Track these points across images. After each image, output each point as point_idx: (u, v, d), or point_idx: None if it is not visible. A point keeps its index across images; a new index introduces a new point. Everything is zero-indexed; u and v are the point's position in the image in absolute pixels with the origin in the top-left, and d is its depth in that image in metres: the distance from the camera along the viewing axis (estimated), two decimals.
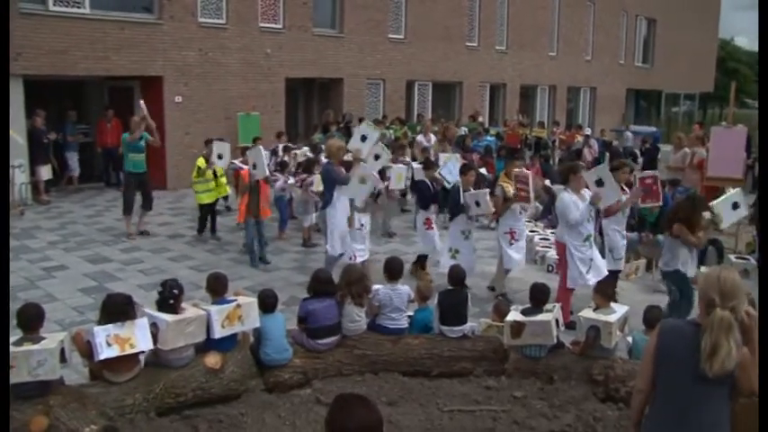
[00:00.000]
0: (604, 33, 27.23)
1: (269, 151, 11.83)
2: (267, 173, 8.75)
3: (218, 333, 4.75)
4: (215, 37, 14.43)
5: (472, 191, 7.54)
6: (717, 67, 37.75)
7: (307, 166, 10.11)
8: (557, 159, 17.46)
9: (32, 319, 4.26)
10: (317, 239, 9.78)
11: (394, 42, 18.60)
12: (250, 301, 4.98)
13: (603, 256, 7.07)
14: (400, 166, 10.41)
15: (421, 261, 8.37)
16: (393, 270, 5.54)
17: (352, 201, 7.65)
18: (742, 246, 9.81)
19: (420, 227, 8.51)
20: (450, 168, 8.38)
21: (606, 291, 5.37)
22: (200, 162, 9.77)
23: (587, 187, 6.80)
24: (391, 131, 15.53)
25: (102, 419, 4.03)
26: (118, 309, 4.47)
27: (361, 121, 16.31)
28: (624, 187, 7.30)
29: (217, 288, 5.03)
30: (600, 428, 4.39)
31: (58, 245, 9.45)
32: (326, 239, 7.73)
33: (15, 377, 3.88)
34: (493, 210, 7.57)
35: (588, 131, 19.94)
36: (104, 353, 4.26)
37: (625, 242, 7.29)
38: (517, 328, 5.06)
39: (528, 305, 5.35)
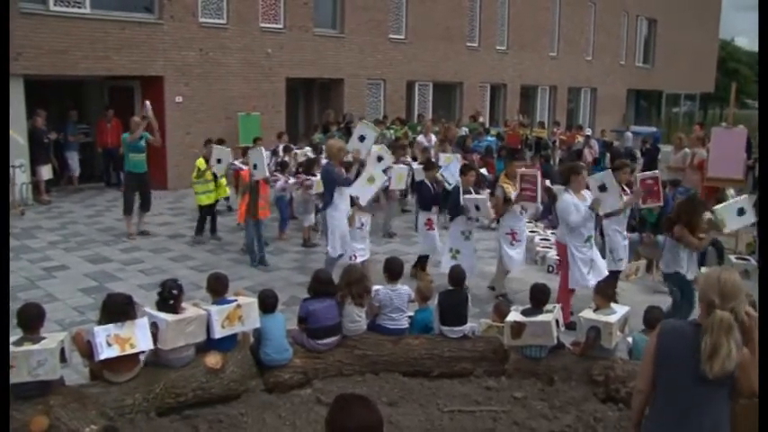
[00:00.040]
0: (605, 33, 27.23)
1: (269, 151, 11.83)
2: (267, 174, 8.75)
3: (219, 333, 4.75)
4: (215, 37, 14.44)
5: (472, 195, 7.49)
6: (717, 68, 37.75)
7: (307, 167, 10.11)
8: (557, 160, 17.46)
9: (33, 319, 4.26)
10: (316, 239, 9.79)
11: (394, 42, 18.60)
12: (250, 302, 4.98)
13: (604, 257, 7.07)
14: (401, 166, 10.41)
15: (421, 262, 8.37)
16: (393, 270, 5.54)
17: (352, 200, 7.64)
18: (742, 246, 9.80)
19: (421, 227, 8.51)
20: (451, 170, 8.38)
21: (606, 291, 5.37)
22: (200, 163, 9.75)
23: (588, 188, 6.80)
24: (392, 132, 15.53)
25: (103, 419, 4.03)
26: (118, 309, 4.47)
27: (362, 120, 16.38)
28: (625, 187, 7.30)
29: (217, 288, 5.03)
30: (600, 429, 4.39)
31: (59, 245, 9.46)
32: (327, 240, 7.73)
33: (15, 377, 3.89)
34: (493, 215, 7.56)
35: (589, 132, 19.93)
36: (104, 353, 4.26)
37: (626, 242, 7.28)
38: (517, 328, 5.06)
39: (528, 306, 5.34)
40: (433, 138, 13.99)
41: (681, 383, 2.82)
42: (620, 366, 4.82)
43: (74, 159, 13.48)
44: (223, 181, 10.28)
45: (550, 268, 8.71)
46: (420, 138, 13.95)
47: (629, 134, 21.90)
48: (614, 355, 5.02)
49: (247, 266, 8.65)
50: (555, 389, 4.86)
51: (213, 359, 4.70)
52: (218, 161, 9.55)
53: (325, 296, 5.21)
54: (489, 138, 16.48)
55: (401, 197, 11.52)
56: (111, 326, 4.37)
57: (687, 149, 12.46)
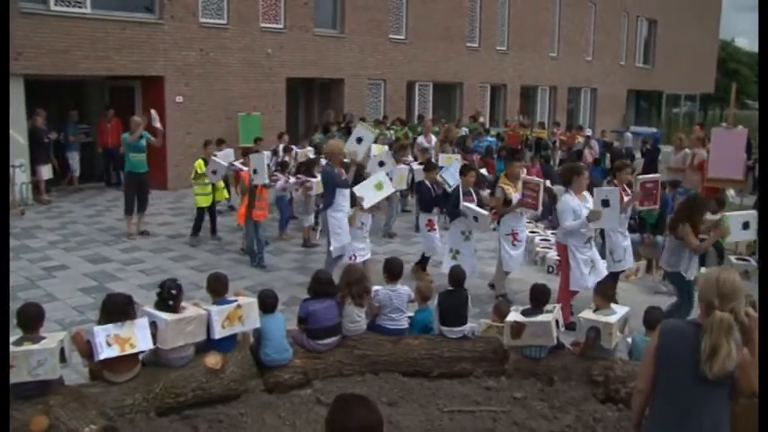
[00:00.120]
0: (605, 34, 27.23)
1: (270, 151, 11.83)
2: (266, 180, 8.68)
3: (219, 333, 4.74)
4: (216, 37, 14.44)
5: (475, 206, 7.43)
6: (717, 68, 37.76)
7: (307, 168, 10.10)
8: (557, 160, 17.47)
9: (32, 319, 4.26)
10: (316, 239, 9.79)
11: (395, 43, 18.60)
12: (250, 302, 4.98)
13: (603, 257, 7.07)
14: (402, 167, 10.42)
15: (422, 262, 8.37)
16: (393, 271, 5.54)
17: (353, 200, 7.64)
18: (742, 247, 9.80)
19: (422, 228, 8.51)
20: (451, 171, 8.40)
21: (606, 292, 5.37)
22: (199, 165, 9.68)
23: (590, 189, 6.80)
24: (392, 132, 15.54)
25: (102, 419, 4.03)
26: (118, 309, 4.47)
27: (362, 121, 16.39)
28: (626, 188, 7.31)
29: (217, 288, 5.03)
30: (600, 429, 4.39)
31: (59, 244, 9.46)
32: (327, 240, 7.73)
33: (15, 377, 3.89)
34: (490, 229, 7.55)
35: (589, 132, 19.94)
36: (104, 353, 4.26)
37: (628, 243, 7.28)
38: (517, 328, 5.06)
39: (528, 306, 5.35)
40: (433, 138, 13.99)
41: (681, 383, 2.82)
42: (619, 367, 4.82)
43: (74, 159, 13.48)
44: (221, 184, 10.22)
45: (550, 269, 8.71)
46: (420, 139, 13.95)
47: (628, 135, 21.91)
48: (614, 355, 5.02)
49: (247, 266, 8.65)
50: (555, 389, 4.86)
51: (213, 359, 4.70)
52: (214, 173, 9.50)
53: (325, 296, 5.21)
54: (489, 138, 16.48)
55: (401, 197, 11.52)
56: (110, 326, 4.37)
57: (687, 150, 12.46)
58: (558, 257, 7.75)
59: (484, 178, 10.87)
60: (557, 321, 5.12)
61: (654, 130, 24.40)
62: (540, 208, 7.56)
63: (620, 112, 29.10)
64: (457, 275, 5.69)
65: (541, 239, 9.79)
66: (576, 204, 6.63)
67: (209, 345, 4.78)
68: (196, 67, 14.13)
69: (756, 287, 3.69)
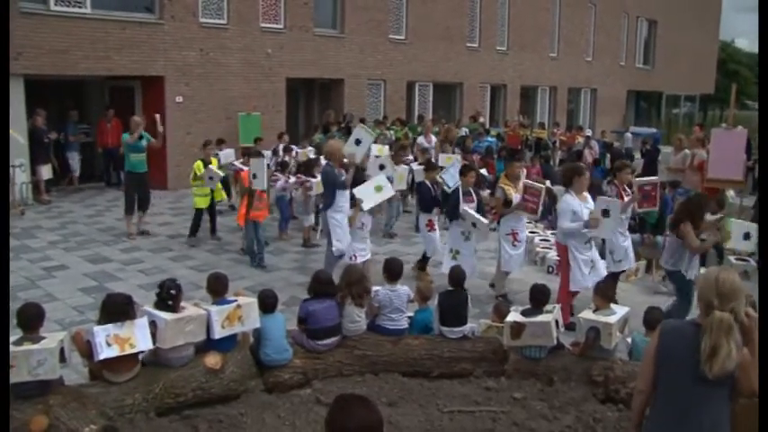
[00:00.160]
0: (605, 34, 27.24)
1: (270, 151, 11.84)
2: (265, 186, 8.62)
3: (218, 333, 4.74)
4: (216, 37, 14.44)
5: (476, 214, 7.40)
6: (717, 69, 37.78)
7: (307, 168, 10.10)
8: (557, 160, 17.48)
9: (32, 319, 4.26)
10: (317, 240, 9.79)
11: (395, 43, 18.61)
12: (250, 302, 4.98)
13: (603, 258, 7.07)
14: (402, 167, 10.41)
15: (422, 262, 8.37)
16: (392, 271, 5.54)
17: (353, 201, 7.64)
18: None
19: (422, 228, 8.52)
20: (451, 173, 8.41)
21: (606, 292, 5.37)
22: (198, 166, 9.61)
23: (590, 189, 6.80)
24: (392, 132, 15.54)
25: (102, 419, 4.03)
26: (118, 309, 4.47)
27: (362, 122, 16.41)
28: (626, 188, 7.31)
29: (217, 288, 5.03)
30: (600, 430, 4.39)
31: (59, 244, 9.46)
32: (328, 240, 7.74)
33: (15, 377, 3.88)
34: (488, 237, 7.53)
35: (589, 133, 19.95)
36: (104, 353, 4.26)
37: (628, 243, 7.28)
38: (517, 328, 5.06)
39: (528, 306, 5.35)
40: (434, 139, 13.99)
41: (681, 383, 2.82)
42: (619, 367, 4.83)
43: (74, 159, 13.48)
44: (219, 185, 10.16)
45: (550, 269, 8.72)
46: (420, 139, 13.95)
47: (628, 135, 21.93)
48: (614, 355, 5.02)
49: (247, 266, 8.65)
50: (554, 389, 4.86)
51: (213, 359, 4.70)
52: (210, 179, 9.49)
53: (325, 297, 5.21)
54: (489, 138, 16.49)
55: (402, 198, 11.51)
56: (110, 326, 4.37)
57: (687, 151, 12.46)
58: (557, 258, 7.75)
59: (484, 178, 10.87)
60: (556, 322, 5.12)
61: (654, 130, 24.41)
62: (541, 209, 7.56)
63: (620, 112, 29.11)
64: (457, 276, 5.68)
65: (541, 240, 9.79)
66: (577, 205, 6.63)
67: (208, 345, 4.78)
68: (196, 67, 14.13)
69: (756, 287, 3.69)
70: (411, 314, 5.62)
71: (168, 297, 4.68)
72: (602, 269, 6.83)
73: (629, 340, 5.36)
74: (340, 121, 16.07)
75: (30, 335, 4.19)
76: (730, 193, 11.05)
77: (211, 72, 14.41)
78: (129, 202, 9.92)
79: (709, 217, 7.43)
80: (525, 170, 8.41)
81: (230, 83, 14.77)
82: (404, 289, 5.51)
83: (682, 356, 2.81)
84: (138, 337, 4.41)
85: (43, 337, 4.17)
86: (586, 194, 6.79)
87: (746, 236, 7.13)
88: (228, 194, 11.41)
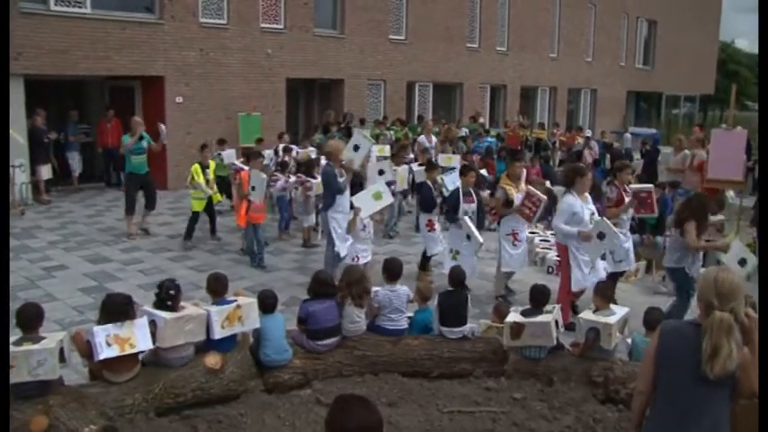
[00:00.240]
0: (605, 35, 27.24)
1: (272, 150, 11.84)
2: (261, 201, 8.54)
3: (218, 334, 4.74)
4: (216, 37, 14.45)
5: (473, 228, 7.38)
6: (717, 70, 37.76)
7: (307, 168, 10.10)
8: (557, 161, 17.49)
9: (32, 319, 4.26)
10: (317, 240, 9.79)
11: (395, 43, 18.61)
12: (250, 302, 4.98)
13: (603, 258, 7.06)
14: (403, 167, 10.41)
15: (425, 262, 8.37)
16: (392, 271, 5.54)
17: (353, 203, 7.64)
18: None
19: (423, 229, 8.52)
20: (452, 178, 8.41)
21: (606, 292, 5.37)
22: (195, 169, 9.51)
23: (591, 190, 6.79)
24: (392, 132, 15.55)
25: (102, 419, 4.03)
26: (117, 309, 4.47)
27: (362, 122, 16.43)
28: (626, 188, 7.31)
29: (217, 289, 5.03)
30: (600, 430, 4.39)
31: (59, 244, 9.46)
32: (328, 240, 7.74)
33: (15, 377, 3.88)
34: (477, 252, 7.52)
35: (589, 133, 19.95)
36: (104, 353, 4.26)
37: (629, 244, 7.27)
38: (517, 329, 5.06)
39: (528, 306, 5.35)
40: (434, 139, 14.00)
41: (681, 384, 2.82)
42: (619, 367, 4.82)
43: (74, 159, 13.48)
44: (215, 187, 10.08)
45: (550, 269, 8.72)
46: (421, 138, 13.95)
47: (627, 135, 21.94)
48: (614, 356, 5.02)
49: (247, 266, 8.65)
50: (554, 390, 4.86)
51: (213, 359, 4.70)
52: (207, 182, 9.47)
53: (325, 297, 5.21)
54: (489, 139, 16.50)
55: (403, 197, 11.51)
56: (110, 326, 4.36)
57: (687, 151, 12.47)
58: (557, 258, 7.75)
59: (484, 179, 10.88)
60: (556, 322, 5.12)
61: (653, 131, 24.41)
62: (536, 218, 7.58)
63: (619, 113, 29.10)
64: (457, 276, 5.69)
65: (541, 240, 9.79)
66: (579, 206, 6.62)
67: (208, 345, 4.78)
68: (196, 67, 14.13)
69: (756, 288, 3.69)
70: (411, 314, 5.62)
71: (167, 297, 4.68)
72: (602, 270, 6.83)
73: (628, 341, 5.36)
74: (340, 121, 16.08)
75: (29, 335, 4.19)
76: (730, 193, 11.05)
77: (211, 72, 14.41)
78: (129, 202, 9.91)
79: (717, 218, 7.42)
80: (525, 170, 8.40)
81: (230, 83, 14.77)
82: (403, 289, 5.51)
83: (682, 357, 2.81)
84: (137, 337, 4.41)
85: (43, 338, 4.17)
86: (587, 195, 6.79)
87: (742, 262, 7.03)
88: (229, 195, 11.39)
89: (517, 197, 7.44)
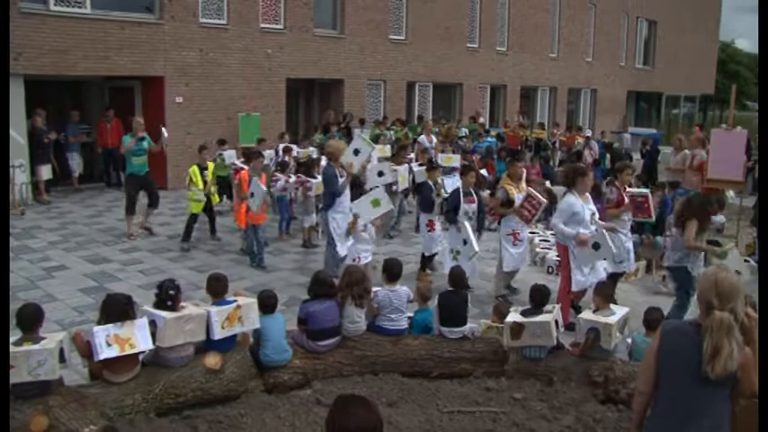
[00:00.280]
0: (605, 35, 27.24)
1: (273, 150, 11.82)
2: (257, 209, 8.44)
3: (218, 334, 4.74)
4: (216, 37, 14.45)
5: (471, 235, 7.36)
6: (717, 70, 37.77)
7: (307, 168, 10.10)
8: (557, 161, 17.48)
9: (32, 319, 4.25)
10: (317, 240, 9.78)
11: (395, 43, 18.61)
12: (250, 302, 4.98)
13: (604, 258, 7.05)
14: (404, 166, 10.40)
15: (428, 261, 8.36)
16: (392, 271, 5.54)
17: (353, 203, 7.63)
18: (742, 247, 9.80)
19: (423, 229, 8.52)
20: (452, 182, 8.40)
21: (606, 292, 5.37)
22: (193, 171, 9.47)
23: (593, 190, 6.79)
24: (392, 132, 15.56)
25: (102, 420, 4.03)
26: (118, 309, 4.47)
27: (362, 122, 16.43)
28: (627, 189, 7.30)
29: (217, 289, 5.02)
30: (600, 430, 4.39)
31: (59, 245, 9.45)
32: (328, 239, 7.73)
33: (15, 377, 3.88)
34: (469, 258, 7.52)
35: (588, 133, 19.95)
36: (104, 353, 4.26)
37: (630, 244, 7.26)
38: (517, 329, 5.05)
39: (528, 306, 5.35)
40: (434, 139, 13.99)
41: (682, 384, 2.82)
42: (619, 367, 4.82)
43: (74, 160, 13.47)
44: (213, 188, 10.01)
45: (550, 269, 8.71)
46: (422, 138, 13.94)
47: (627, 136, 21.96)
48: (613, 356, 5.02)
49: (247, 267, 8.65)
50: (554, 390, 4.86)
51: (212, 359, 4.70)
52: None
53: (325, 298, 5.21)
54: (489, 139, 16.50)
55: (404, 197, 11.50)
56: (110, 326, 4.36)
57: (687, 151, 12.46)
58: (557, 258, 7.75)
59: (484, 179, 10.87)
60: (556, 322, 5.12)
61: (653, 131, 24.42)
62: (533, 222, 7.58)
63: (620, 113, 29.10)
64: (457, 276, 5.69)
65: (541, 240, 9.78)
66: (579, 206, 6.61)
67: (208, 345, 4.78)
68: (196, 67, 14.13)
69: (756, 287, 3.69)
70: (411, 314, 5.62)
71: (167, 297, 4.68)
72: (602, 270, 6.82)
73: (629, 341, 5.36)
74: (340, 121, 16.08)
75: (29, 335, 4.18)
76: (730, 193, 11.06)
77: (211, 72, 14.42)
78: (130, 202, 9.90)
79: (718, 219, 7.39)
80: (525, 170, 8.40)
81: (230, 83, 14.77)
82: (403, 289, 5.51)
83: (683, 357, 2.81)
84: (138, 337, 4.41)
85: (43, 338, 4.17)
86: (588, 195, 6.78)
87: (736, 273, 7.02)
88: (230, 195, 11.39)
89: (518, 197, 7.43)
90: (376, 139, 13.33)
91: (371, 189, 8.24)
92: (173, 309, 4.66)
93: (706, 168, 10.49)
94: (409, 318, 5.57)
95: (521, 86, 23.65)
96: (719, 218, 9.27)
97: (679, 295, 6.43)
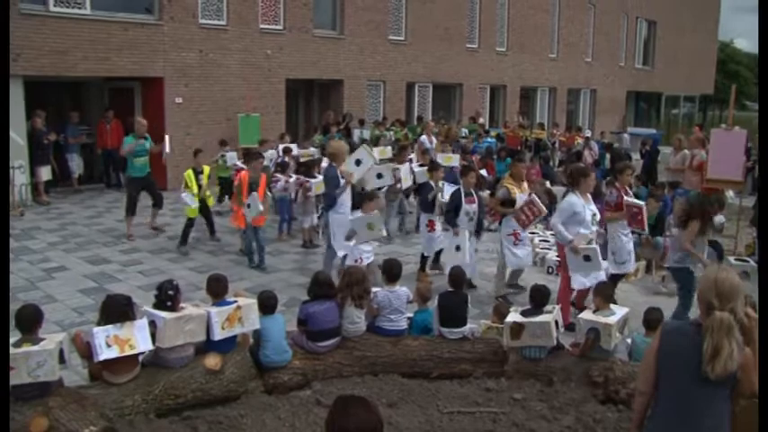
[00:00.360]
0: (605, 35, 27.25)
1: (274, 150, 11.82)
2: (250, 219, 8.41)
3: (218, 335, 4.74)
4: (215, 38, 14.45)
5: (467, 242, 7.37)
6: (717, 70, 37.79)
7: (307, 168, 10.09)
8: (557, 161, 17.49)
9: (31, 321, 4.25)
10: (318, 240, 9.78)
11: (394, 44, 18.61)
12: (250, 303, 4.98)
13: (605, 259, 7.05)
14: (405, 165, 10.38)
15: (422, 263, 8.36)
16: (391, 272, 5.54)
17: (354, 203, 7.61)
18: (742, 247, 9.81)
19: (423, 229, 8.51)
20: (451, 189, 8.40)
21: (606, 292, 5.37)
22: (188, 175, 9.39)
23: (591, 197, 6.80)
24: (391, 133, 15.56)
25: (102, 421, 4.02)
26: (117, 310, 4.47)
27: (362, 122, 16.43)
28: (627, 189, 7.30)
29: (217, 290, 5.02)
30: (600, 430, 4.39)
31: (58, 246, 9.45)
32: (328, 239, 7.73)
33: (15, 378, 3.88)
34: (456, 262, 7.51)
35: (588, 133, 19.95)
36: (104, 354, 4.26)
37: (631, 245, 7.25)
38: (517, 329, 5.05)
39: (528, 306, 5.34)
40: (434, 139, 13.98)
41: (683, 384, 2.82)
42: (619, 368, 4.82)
43: (74, 161, 13.46)
44: (207, 192, 9.97)
45: (550, 269, 8.71)
46: (423, 138, 13.93)
47: (626, 136, 21.95)
48: (613, 356, 5.02)
49: (247, 267, 8.64)
50: (554, 390, 4.86)
51: (212, 360, 4.70)
52: (199, 187, 9.40)
53: (325, 298, 5.21)
54: (489, 139, 16.50)
55: (405, 197, 11.49)
56: (110, 327, 4.36)
57: (686, 151, 12.48)
58: (557, 258, 7.74)
59: (483, 179, 10.87)
60: (556, 322, 5.12)
61: (653, 131, 24.42)
62: (529, 226, 7.58)
63: (619, 113, 29.11)
64: (457, 276, 5.68)
65: (541, 240, 9.78)
66: (581, 206, 6.61)
67: (208, 346, 4.78)
68: (196, 68, 14.13)
69: (756, 288, 3.69)
70: (410, 315, 5.61)
71: (167, 298, 4.69)
72: (602, 272, 6.79)
73: (628, 341, 5.36)
74: (339, 121, 16.07)
75: (29, 336, 4.18)
76: (729, 193, 11.06)
77: (211, 73, 14.41)
78: (131, 203, 9.89)
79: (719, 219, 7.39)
80: (525, 170, 8.39)
81: (230, 84, 14.77)
82: (403, 290, 5.51)
83: (683, 357, 2.81)
84: (137, 338, 4.40)
85: (42, 339, 4.17)
86: (588, 195, 6.78)
87: (745, 275, 7.01)
88: (231, 196, 11.36)
89: (519, 197, 7.43)
90: (376, 140, 13.33)
91: (372, 190, 8.25)
92: (172, 309, 4.66)
93: (705, 168, 10.50)
94: (409, 318, 5.57)
95: (520, 87, 23.65)
96: (719, 218, 9.27)
97: (682, 295, 6.42)
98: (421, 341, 5.37)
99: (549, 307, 5.27)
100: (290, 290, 7.66)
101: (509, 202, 7.47)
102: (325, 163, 9.64)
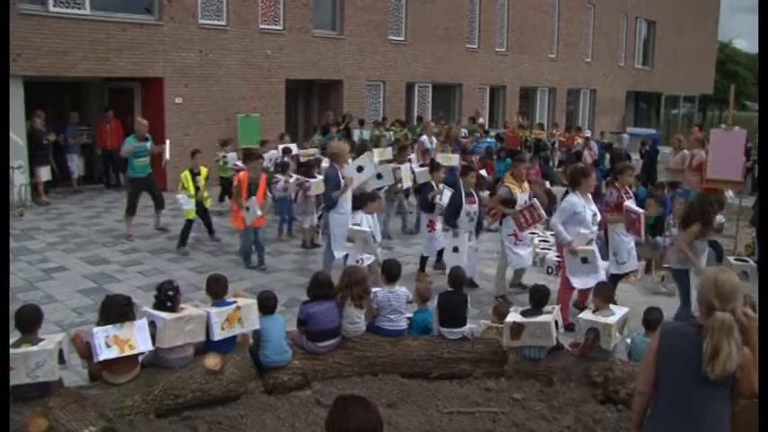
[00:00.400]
0: (604, 36, 27.26)
1: (275, 150, 11.82)
2: (249, 223, 8.40)
3: (218, 335, 4.74)
4: (215, 38, 14.44)
5: (465, 245, 7.36)
6: (716, 70, 37.79)
7: (307, 169, 10.09)
8: (556, 161, 17.49)
9: (31, 321, 4.25)
10: (318, 240, 9.77)
11: (394, 44, 18.61)
12: (249, 303, 4.98)
13: (606, 259, 7.05)
14: (406, 165, 10.39)
15: (422, 264, 8.36)
16: (391, 272, 5.54)
17: (355, 204, 7.61)
18: (741, 248, 9.81)
19: (423, 229, 8.51)
20: (448, 193, 8.44)
21: (606, 292, 5.37)
22: (185, 176, 9.35)
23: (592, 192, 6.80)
24: (391, 133, 15.56)
25: (102, 421, 4.02)
26: (117, 310, 4.47)
27: (361, 123, 16.43)
28: (627, 190, 7.30)
29: (217, 290, 5.02)
30: (599, 430, 4.39)
31: (58, 246, 9.45)
32: (328, 239, 7.73)
33: (14, 379, 3.88)
34: (452, 263, 7.49)
35: (588, 133, 19.95)
36: (104, 354, 4.26)
37: (632, 245, 7.25)
38: (516, 329, 5.05)
39: (528, 306, 5.34)
40: (434, 139, 13.99)
41: (682, 384, 2.82)
42: (618, 368, 4.82)
43: (74, 161, 13.46)
44: (205, 193, 9.96)
45: (550, 270, 8.71)
46: (423, 138, 13.93)
47: (625, 136, 21.95)
48: (613, 356, 5.02)
49: (247, 268, 8.64)
50: (554, 390, 4.86)
51: (212, 360, 4.70)
52: (197, 189, 9.38)
53: (325, 299, 5.21)
54: (488, 139, 16.50)
55: (405, 197, 11.49)
56: (109, 327, 4.36)
57: (686, 151, 12.48)
58: (557, 258, 7.74)
59: (483, 179, 10.87)
60: (556, 322, 5.12)
61: (652, 131, 24.42)
62: (527, 230, 7.59)
63: (619, 113, 29.12)
64: (457, 276, 5.68)
65: (541, 240, 9.77)
66: (581, 206, 6.61)
67: (208, 346, 4.78)
68: (195, 68, 14.13)
69: (756, 288, 3.69)
70: (410, 315, 5.61)
71: (166, 299, 4.69)
72: (602, 272, 6.79)
73: (628, 341, 5.36)
74: (339, 122, 16.07)
75: (28, 337, 4.18)
76: (729, 193, 11.06)
77: (211, 73, 14.41)
78: (131, 204, 9.88)
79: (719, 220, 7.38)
80: (525, 171, 8.39)
81: (229, 84, 14.76)
82: (402, 290, 5.51)
83: (683, 357, 2.81)
84: (137, 338, 4.40)
85: (42, 339, 4.17)
86: (588, 195, 6.79)
87: (744, 275, 7.00)
88: (231, 196, 11.35)
89: (521, 197, 7.42)
90: (376, 141, 13.33)
91: (372, 190, 8.25)
92: (172, 310, 4.66)
93: (705, 168, 10.50)
94: (408, 318, 5.57)
95: (520, 87, 23.65)
96: (719, 218, 9.27)
97: (682, 294, 6.41)
98: (421, 341, 5.37)
99: (548, 307, 5.27)
100: (289, 290, 7.66)
101: (510, 201, 7.47)
102: (325, 163, 9.65)
